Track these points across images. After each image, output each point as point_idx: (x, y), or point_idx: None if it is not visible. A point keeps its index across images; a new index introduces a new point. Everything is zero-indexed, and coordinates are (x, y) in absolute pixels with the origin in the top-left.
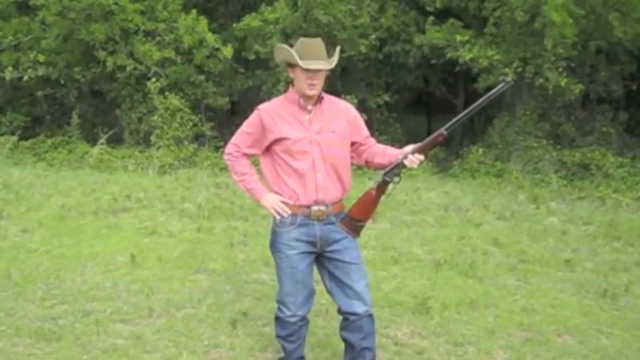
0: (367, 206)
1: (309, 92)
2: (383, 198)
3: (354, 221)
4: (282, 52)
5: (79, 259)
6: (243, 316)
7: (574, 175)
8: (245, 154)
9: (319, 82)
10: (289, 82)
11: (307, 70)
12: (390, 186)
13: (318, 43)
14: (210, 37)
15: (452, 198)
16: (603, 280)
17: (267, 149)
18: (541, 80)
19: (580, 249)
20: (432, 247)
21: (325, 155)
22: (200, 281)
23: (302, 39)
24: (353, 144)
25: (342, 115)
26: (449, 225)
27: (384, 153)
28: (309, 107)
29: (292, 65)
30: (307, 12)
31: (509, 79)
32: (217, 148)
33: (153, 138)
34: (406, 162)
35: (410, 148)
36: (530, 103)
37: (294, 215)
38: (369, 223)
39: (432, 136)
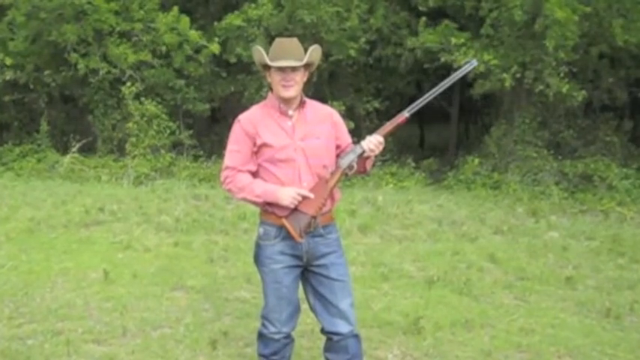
0: (314, 198)
1: (284, 93)
2: (335, 189)
3: (300, 214)
4: (255, 53)
5: (48, 275)
6: (223, 336)
7: (576, 187)
8: (241, 172)
9: (294, 82)
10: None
11: (280, 71)
12: (339, 174)
13: (292, 43)
14: (194, 35)
15: (446, 211)
16: (606, 298)
17: None
18: (541, 86)
19: (582, 265)
20: (424, 264)
21: (311, 163)
22: (177, 299)
23: (277, 39)
24: (336, 149)
25: (327, 121)
26: (442, 240)
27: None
28: (291, 112)
29: (267, 67)
30: (292, 12)
31: (475, 61)
32: (196, 158)
33: (128, 146)
34: (363, 144)
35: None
36: (529, 111)
37: (279, 227)
38: (357, 237)
39: (394, 119)
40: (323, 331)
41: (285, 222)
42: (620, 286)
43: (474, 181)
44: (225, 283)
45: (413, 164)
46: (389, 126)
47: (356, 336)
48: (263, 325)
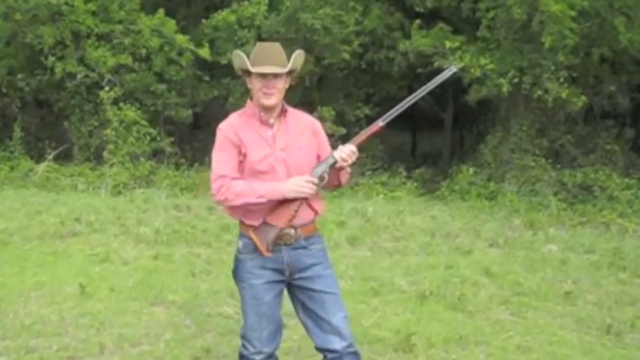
0: (284, 210)
1: (266, 102)
2: (316, 200)
3: (268, 227)
4: (236, 58)
5: (22, 289)
6: (205, 353)
7: (575, 197)
8: (234, 179)
9: (276, 90)
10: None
11: (261, 77)
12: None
13: (275, 48)
14: (181, 39)
15: (439, 223)
16: (607, 314)
17: None
18: (539, 92)
19: (581, 280)
20: (416, 278)
21: (292, 174)
22: (157, 314)
23: (259, 43)
24: (317, 159)
25: (308, 130)
26: (435, 253)
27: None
28: (272, 121)
29: (248, 73)
30: (291, 14)
31: (454, 67)
32: (178, 166)
33: (105, 154)
34: (335, 154)
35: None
36: (527, 118)
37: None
38: (346, 250)
39: (368, 128)
40: (316, 348)
41: (252, 235)
42: (621, 301)
43: (469, 192)
44: (207, 297)
45: (405, 173)
46: (363, 135)
47: (354, 353)
48: (243, 345)
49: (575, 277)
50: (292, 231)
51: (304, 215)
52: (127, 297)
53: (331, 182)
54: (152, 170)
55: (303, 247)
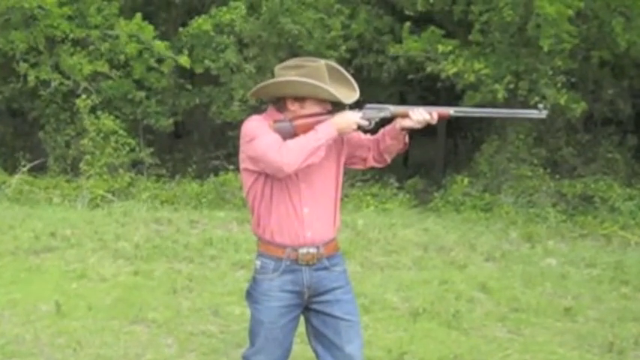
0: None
1: None
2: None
3: None
4: (303, 86)
5: None
6: None
7: (575, 209)
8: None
9: None
10: (245, 101)
11: (321, 102)
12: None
13: (332, 66)
14: (160, 45)
15: (432, 236)
16: (609, 331)
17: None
18: (537, 98)
19: (582, 295)
20: (409, 294)
21: (315, 184)
22: (137, 333)
23: (324, 64)
24: (359, 157)
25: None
26: (429, 267)
27: (383, 132)
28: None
29: (300, 98)
30: (271, 19)
31: (544, 109)
32: (158, 178)
33: (82, 165)
34: (412, 113)
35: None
36: (524, 125)
37: (278, 259)
38: None
39: (439, 107)
40: None
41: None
42: (623, 317)
43: (464, 203)
44: (189, 315)
45: (396, 184)
46: (432, 109)
47: None
48: None
49: (575, 292)
50: (314, 250)
51: (326, 231)
52: (105, 315)
53: (394, 144)
54: (131, 182)
55: (325, 268)
